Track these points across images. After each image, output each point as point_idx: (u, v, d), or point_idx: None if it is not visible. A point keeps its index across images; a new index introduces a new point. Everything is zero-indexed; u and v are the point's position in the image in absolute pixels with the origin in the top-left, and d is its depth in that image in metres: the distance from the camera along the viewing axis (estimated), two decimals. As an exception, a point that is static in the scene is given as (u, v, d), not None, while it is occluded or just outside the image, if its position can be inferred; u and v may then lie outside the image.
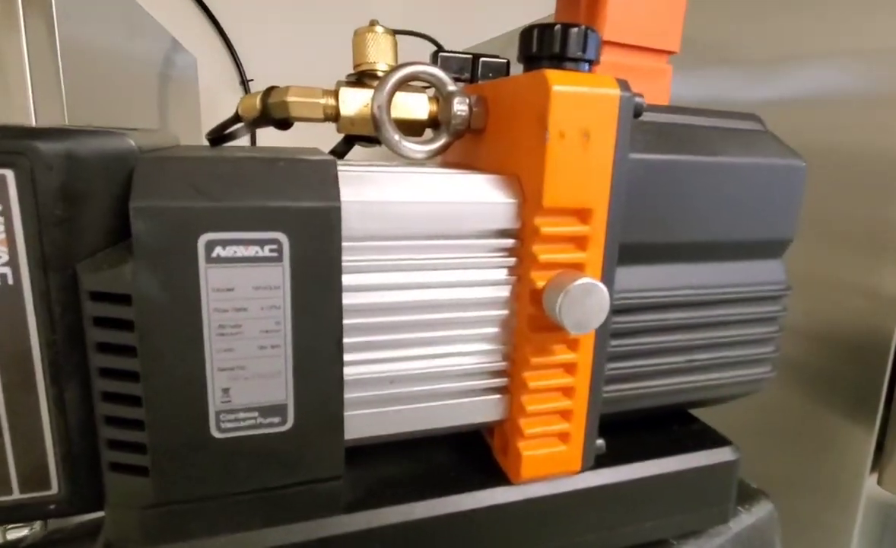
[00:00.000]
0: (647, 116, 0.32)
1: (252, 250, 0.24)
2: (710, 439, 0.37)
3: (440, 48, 0.39)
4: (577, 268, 0.28)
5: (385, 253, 0.27)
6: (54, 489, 0.26)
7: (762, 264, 0.34)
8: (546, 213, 0.28)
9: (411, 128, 0.37)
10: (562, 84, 0.26)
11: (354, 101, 0.36)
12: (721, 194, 0.31)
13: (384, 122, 0.32)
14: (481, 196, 0.28)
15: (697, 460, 0.35)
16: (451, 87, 0.33)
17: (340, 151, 0.38)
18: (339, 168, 0.28)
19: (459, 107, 0.33)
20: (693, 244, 0.32)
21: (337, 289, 0.26)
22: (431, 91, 0.37)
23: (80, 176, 0.23)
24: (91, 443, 0.25)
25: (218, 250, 0.23)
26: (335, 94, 0.36)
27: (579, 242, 0.28)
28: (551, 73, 0.26)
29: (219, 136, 0.35)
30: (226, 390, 0.25)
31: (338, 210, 0.25)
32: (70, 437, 0.25)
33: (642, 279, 0.31)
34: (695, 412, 0.40)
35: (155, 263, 0.23)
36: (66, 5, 0.60)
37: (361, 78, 0.37)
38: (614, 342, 0.31)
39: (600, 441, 0.32)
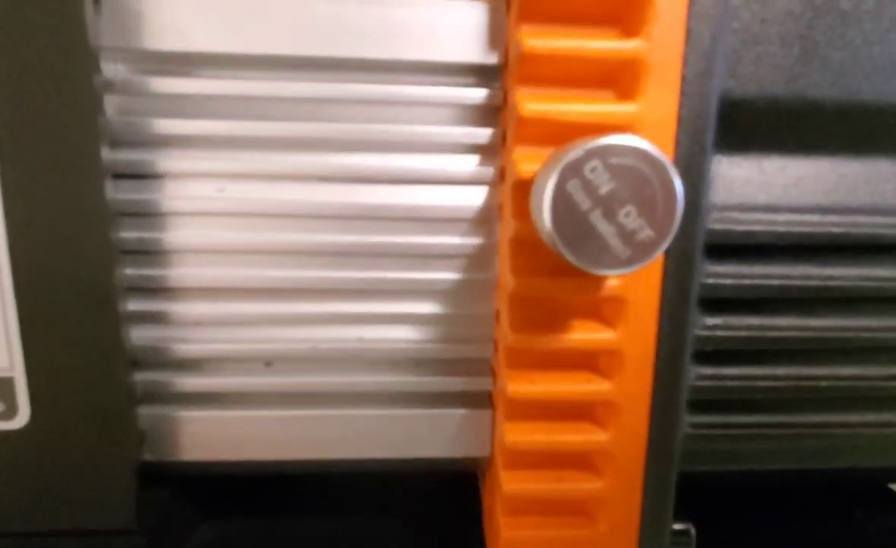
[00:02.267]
0: None
1: None
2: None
3: None
4: (615, 129, 0.13)
5: (224, 104, 0.14)
6: None
7: None
8: (535, 4, 0.13)
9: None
10: None
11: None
12: None
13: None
14: None
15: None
16: None
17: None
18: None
19: None
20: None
21: (92, 159, 0.13)
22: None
23: None
24: None
25: None
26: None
27: (617, 75, 0.13)
28: None
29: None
30: None
31: (72, -17, 0.12)
32: None
33: (780, 184, 0.15)
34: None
35: None
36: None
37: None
38: (711, 319, 0.15)
39: (682, 526, 0.16)
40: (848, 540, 0.18)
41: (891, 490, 0.20)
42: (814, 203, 0.14)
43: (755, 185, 0.14)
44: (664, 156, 0.11)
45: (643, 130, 0.13)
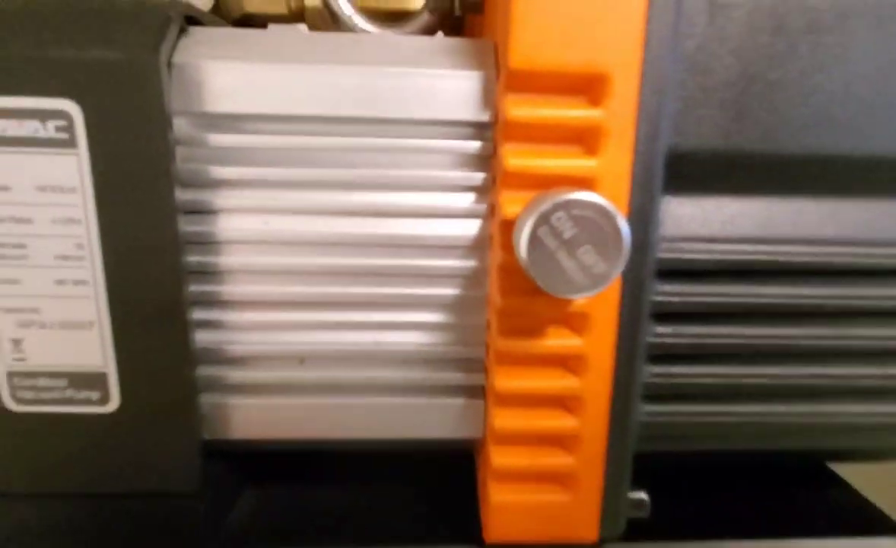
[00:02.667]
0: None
1: (29, 127, 0.16)
2: (860, 517, 0.21)
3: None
4: (581, 183, 0.16)
5: (267, 156, 0.18)
6: None
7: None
8: (517, 80, 0.16)
9: (400, 20, 0.27)
10: None
11: (323, -13, 0.26)
12: (885, 65, 0.17)
13: (338, 3, 0.23)
14: (425, 64, 0.17)
15: (835, 553, 0.20)
16: (430, -62, 0.23)
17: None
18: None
19: (440, -33, 0.22)
20: (823, 160, 0.17)
21: (166, 201, 0.16)
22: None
23: None
24: None
25: (-21, 126, 0.16)
26: (300, -21, 0.27)
27: (584, 136, 0.16)
28: None
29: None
30: (17, 342, 0.17)
31: (155, 67, 0.16)
32: None
33: (719, 221, 0.18)
34: (844, 472, 0.24)
35: None
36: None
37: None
38: (661, 329, 0.18)
39: (639, 495, 0.19)
40: (784, 508, 0.21)
41: (831, 471, 0.24)
42: (746, 235, 0.18)
43: (698, 220, 0.18)
44: (614, 207, 0.15)
45: (604, 181, 0.16)
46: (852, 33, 0.17)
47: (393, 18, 0.26)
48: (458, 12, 0.23)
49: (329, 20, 0.27)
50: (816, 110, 0.17)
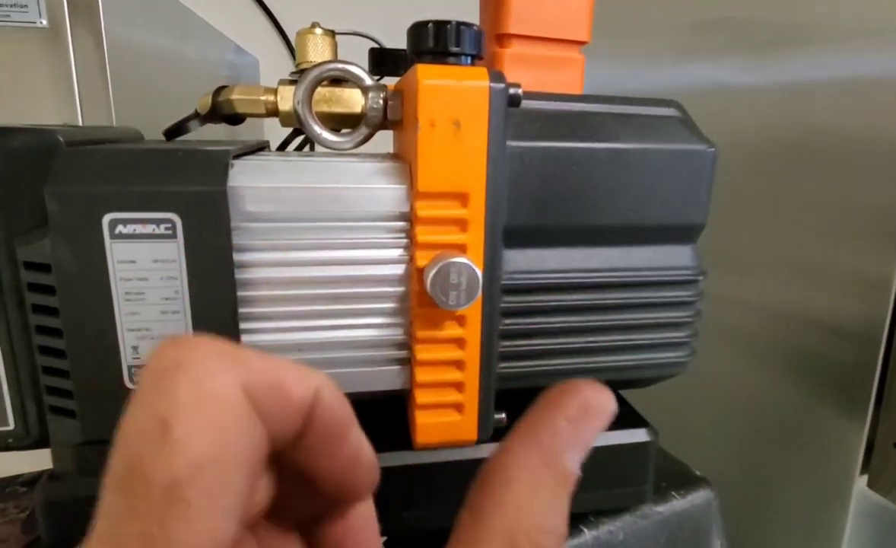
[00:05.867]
0: (545, 105, 0.33)
1: (149, 228, 0.28)
2: (627, 420, 0.38)
3: (378, 45, 0.41)
4: (459, 249, 0.30)
5: (281, 233, 0.31)
6: (11, 425, 0.31)
7: (670, 249, 0.34)
8: (423, 197, 0.30)
9: (348, 121, 0.40)
10: (431, 78, 0.28)
11: (291, 98, 0.39)
12: (613, 179, 0.32)
13: (305, 116, 0.36)
14: (372, 181, 0.31)
15: (607, 440, 0.36)
16: (368, 82, 0.36)
17: (287, 142, 0.42)
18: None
19: (374, 101, 0.35)
20: (587, 228, 0.33)
21: (227, 263, 0.29)
22: (373, 85, 0.40)
23: (12, 167, 0.28)
24: (38, 388, 0.30)
25: (120, 228, 0.28)
26: (275, 91, 0.39)
27: (459, 224, 0.30)
28: (423, 68, 0.28)
29: (174, 130, 0.40)
30: (135, 348, 0.29)
31: (223, 194, 0.28)
32: (20, 383, 0.31)
33: (536, 261, 0.33)
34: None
35: (67, 238, 0.27)
36: (113, 9, 0.65)
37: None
38: (507, 321, 0.33)
39: (501, 415, 0.34)
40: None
41: (619, 395, 0.40)
42: (549, 268, 0.33)
43: (523, 261, 0.32)
44: (468, 260, 0.29)
45: (470, 246, 0.30)
46: (596, 165, 0.32)
47: (341, 120, 0.39)
48: (385, 128, 0.37)
49: (294, 119, 0.39)
50: (582, 202, 0.32)
